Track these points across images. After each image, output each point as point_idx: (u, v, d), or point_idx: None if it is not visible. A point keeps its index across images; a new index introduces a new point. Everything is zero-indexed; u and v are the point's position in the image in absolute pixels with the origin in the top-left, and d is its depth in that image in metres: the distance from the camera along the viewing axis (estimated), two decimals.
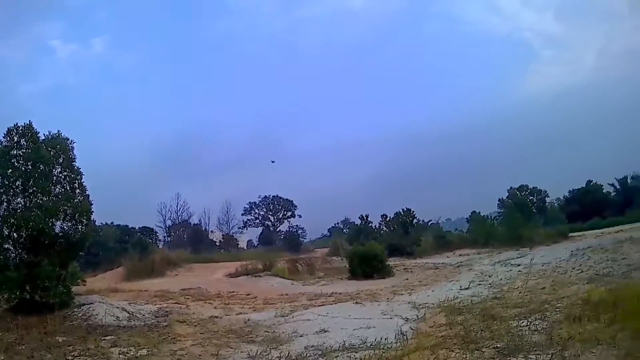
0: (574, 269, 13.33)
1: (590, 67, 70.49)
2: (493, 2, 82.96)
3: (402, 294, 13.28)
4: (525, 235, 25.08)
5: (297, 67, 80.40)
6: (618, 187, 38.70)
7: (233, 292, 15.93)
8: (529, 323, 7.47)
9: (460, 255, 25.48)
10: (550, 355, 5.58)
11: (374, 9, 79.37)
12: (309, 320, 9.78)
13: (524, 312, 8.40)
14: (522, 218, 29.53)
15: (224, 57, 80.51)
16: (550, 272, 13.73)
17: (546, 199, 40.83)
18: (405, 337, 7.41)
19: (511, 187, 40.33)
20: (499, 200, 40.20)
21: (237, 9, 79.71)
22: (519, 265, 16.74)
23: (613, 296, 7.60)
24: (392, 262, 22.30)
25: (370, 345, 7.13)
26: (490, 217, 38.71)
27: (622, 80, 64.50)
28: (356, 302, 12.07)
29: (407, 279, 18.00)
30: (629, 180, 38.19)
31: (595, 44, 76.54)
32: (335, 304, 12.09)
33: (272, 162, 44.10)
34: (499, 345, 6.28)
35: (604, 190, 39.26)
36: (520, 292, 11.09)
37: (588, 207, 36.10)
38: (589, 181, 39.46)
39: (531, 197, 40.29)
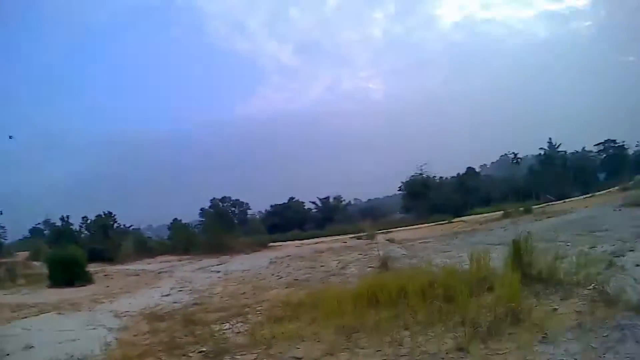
0: (273, 275, 15.31)
1: (314, 100, 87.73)
2: (241, 22, 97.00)
3: (104, 302, 13.15)
4: (226, 243, 27.85)
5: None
6: (320, 204, 48.41)
7: None
8: (231, 326, 8.22)
9: (161, 261, 26.33)
10: (256, 355, 6.16)
11: None
12: (14, 335, 9.22)
13: (225, 316, 9.15)
14: (223, 227, 32.79)
15: None
16: (250, 278, 15.27)
17: (248, 211, 48.03)
18: (110, 348, 7.61)
19: (214, 198, 45.92)
20: (201, 209, 45.36)
21: None
22: (219, 272, 18.13)
23: (312, 298, 8.97)
24: (93, 268, 21.64)
25: (78, 359, 7.20)
26: (192, 225, 41.75)
27: (339, 114, 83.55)
28: (59, 313, 11.77)
29: (108, 286, 17.61)
30: (331, 200, 48.36)
31: (324, 81, 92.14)
32: (39, 315, 11.67)
33: (10, 137, 36.19)
34: (204, 349, 6.71)
35: (305, 207, 48.55)
36: (221, 297, 12.00)
37: (289, 220, 44.07)
38: (291, 198, 48.17)
39: (233, 209, 46.84)
